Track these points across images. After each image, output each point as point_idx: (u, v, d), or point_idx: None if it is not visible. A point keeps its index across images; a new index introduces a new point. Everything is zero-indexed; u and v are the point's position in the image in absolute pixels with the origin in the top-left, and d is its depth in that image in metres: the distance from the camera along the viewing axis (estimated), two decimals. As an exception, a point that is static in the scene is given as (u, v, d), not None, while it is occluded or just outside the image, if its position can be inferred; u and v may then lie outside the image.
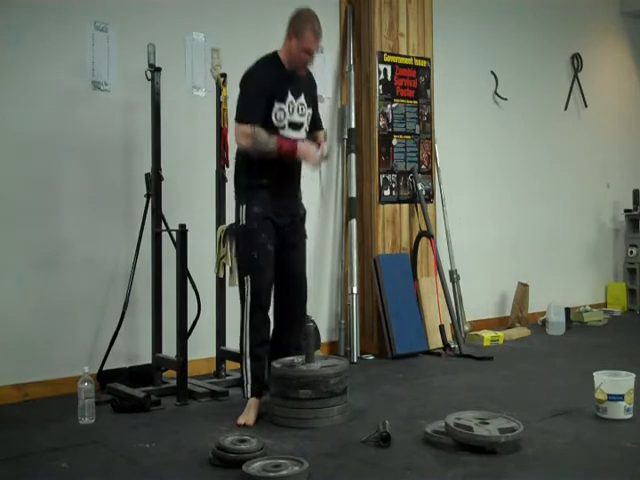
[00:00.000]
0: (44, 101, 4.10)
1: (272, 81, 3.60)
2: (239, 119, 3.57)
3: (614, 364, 4.02)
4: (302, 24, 3.59)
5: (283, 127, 3.61)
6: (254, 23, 4.85)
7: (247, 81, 3.64)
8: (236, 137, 3.58)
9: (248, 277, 3.62)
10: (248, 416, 3.54)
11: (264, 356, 3.64)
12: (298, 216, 3.80)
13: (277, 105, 3.58)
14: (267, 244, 3.62)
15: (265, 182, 3.62)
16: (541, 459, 2.97)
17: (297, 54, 3.60)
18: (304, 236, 3.87)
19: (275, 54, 3.68)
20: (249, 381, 3.63)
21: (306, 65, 3.67)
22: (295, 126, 3.66)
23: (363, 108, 5.32)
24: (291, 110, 3.63)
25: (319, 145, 3.74)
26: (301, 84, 3.72)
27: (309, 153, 3.60)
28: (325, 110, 5.19)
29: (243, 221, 3.66)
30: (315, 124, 3.86)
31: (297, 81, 3.69)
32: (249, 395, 3.62)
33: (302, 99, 3.69)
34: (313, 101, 3.84)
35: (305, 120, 3.73)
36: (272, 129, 3.56)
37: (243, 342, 3.66)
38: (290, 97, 3.62)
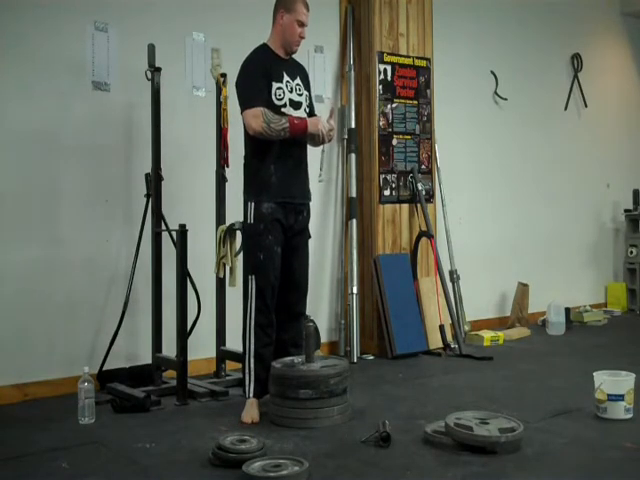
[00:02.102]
0: (44, 101, 4.09)
1: (267, 64, 3.67)
2: (246, 106, 3.60)
3: (614, 364, 4.02)
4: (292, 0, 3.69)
5: (284, 105, 3.65)
6: (254, 23, 4.83)
7: (245, 69, 3.71)
8: (247, 123, 3.59)
9: (253, 277, 3.64)
10: (252, 413, 3.56)
11: (268, 357, 3.65)
12: (305, 210, 3.80)
13: (275, 85, 3.64)
14: (273, 246, 3.63)
15: (273, 168, 3.64)
16: (541, 459, 2.97)
17: (291, 29, 3.68)
18: (308, 237, 3.89)
19: (264, 44, 3.77)
20: (251, 381, 3.63)
21: (300, 39, 3.73)
22: (295, 104, 3.71)
23: (363, 108, 5.32)
24: (290, 89, 3.70)
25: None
26: (294, 68, 3.81)
27: (319, 123, 3.65)
28: (325, 110, 5.18)
29: (250, 220, 3.67)
30: (312, 111, 3.88)
31: (290, 65, 3.79)
32: (250, 395, 3.63)
33: (298, 80, 3.78)
34: (308, 88, 3.89)
35: (304, 100, 3.77)
36: (274, 108, 3.60)
37: (246, 341, 3.67)
38: (286, 77, 3.71)
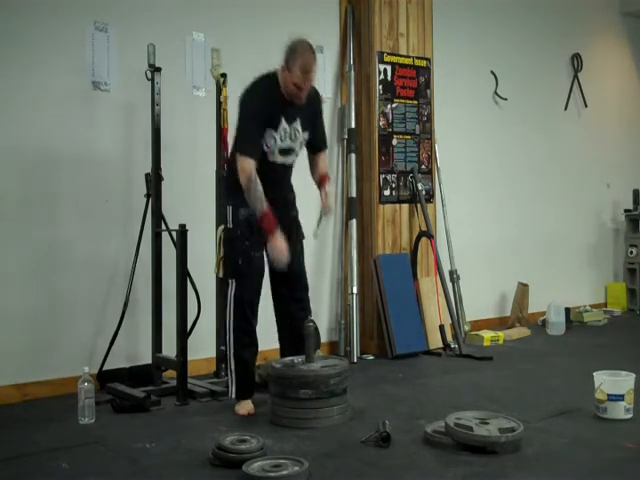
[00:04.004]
0: (44, 101, 4.09)
1: (269, 110, 3.56)
2: (241, 151, 3.53)
3: (614, 364, 4.02)
4: (293, 58, 3.49)
5: (273, 152, 3.62)
6: (254, 23, 4.85)
7: (247, 108, 3.59)
8: (238, 166, 3.53)
9: (233, 281, 3.67)
10: (247, 407, 3.64)
11: (249, 358, 3.71)
12: (287, 218, 3.77)
13: (269, 132, 3.57)
14: (251, 251, 3.64)
15: None
16: (541, 459, 2.97)
17: (289, 86, 3.54)
18: (301, 237, 3.88)
19: (274, 77, 3.60)
20: (233, 383, 3.69)
21: (298, 98, 3.58)
22: (284, 152, 3.67)
23: (363, 108, 5.32)
24: (282, 137, 3.62)
25: (322, 188, 3.77)
26: (299, 107, 3.65)
27: (278, 251, 3.50)
28: (325, 110, 5.17)
29: (229, 225, 3.70)
30: (318, 143, 3.83)
31: (293, 107, 3.63)
32: (234, 396, 3.70)
33: (297, 124, 3.66)
34: (314, 120, 3.77)
35: (297, 145, 3.71)
36: (262, 154, 3.57)
37: (227, 343, 3.71)
38: (284, 124, 3.60)
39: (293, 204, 3.88)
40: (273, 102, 3.57)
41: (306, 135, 3.74)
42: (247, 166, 3.49)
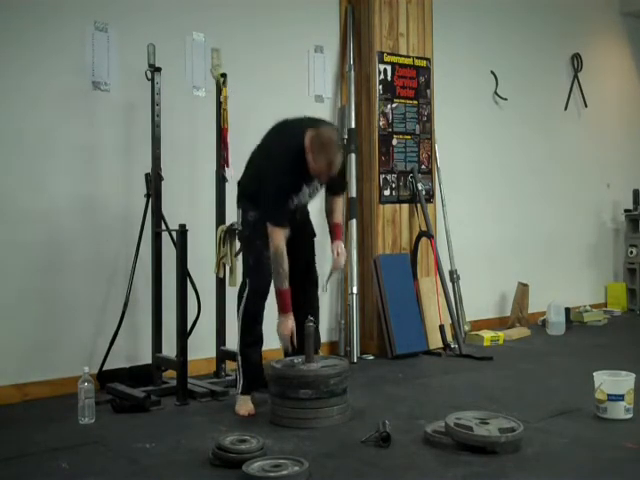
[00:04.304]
0: (43, 101, 4.09)
1: (295, 182, 3.59)
2: (272, 222, 3.55)
3: (614, 364, 4.02)
4: (319, 149, 3.45)
5: (290, 208, 3.65)
6: (254, 23, 4.85)
7: (276, 177, 3.57)
8: (269, 234, 3.55)
9: (247, 280, 3.73)
10: (248, 407, 3.66)
11: (254, 356, 3.74)
12: (295, 224, 3.79)
13: (292, 195, 3.62)
14: (263, 250, 3.65)
15: None
16: (541, 459, 2.97)
17: (312, 168, 3.52)
18: (312, 235, 3.96)
19: (301, 144, 3.49)
20: (240, 379, 3.73)
21: (320, 180, 3.62)
22: (302, 205, 3.77)
23: (363, 108, 5.31)
24: (301, 199, 3.67)
25: (335, 242, 3.85)
26: None
27: (284, 332, 3.59)
28: (325, 110, 5.19)
29: (239, 226, 3.80)
30: (334, 187, 3.85)
31: None
32: (239, 392, 3.73)
33: (316, 182, 3.67)
34: (334, 176, 3.71)
35: (313, 198, 3.79)
36: None
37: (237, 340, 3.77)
38: (304, 188, 3.64)
39: (302, 211, 3.92)
40: (298, 174, 3.57)
41: (324, 187, 3.79)
42: (278, 238, 3.53)
